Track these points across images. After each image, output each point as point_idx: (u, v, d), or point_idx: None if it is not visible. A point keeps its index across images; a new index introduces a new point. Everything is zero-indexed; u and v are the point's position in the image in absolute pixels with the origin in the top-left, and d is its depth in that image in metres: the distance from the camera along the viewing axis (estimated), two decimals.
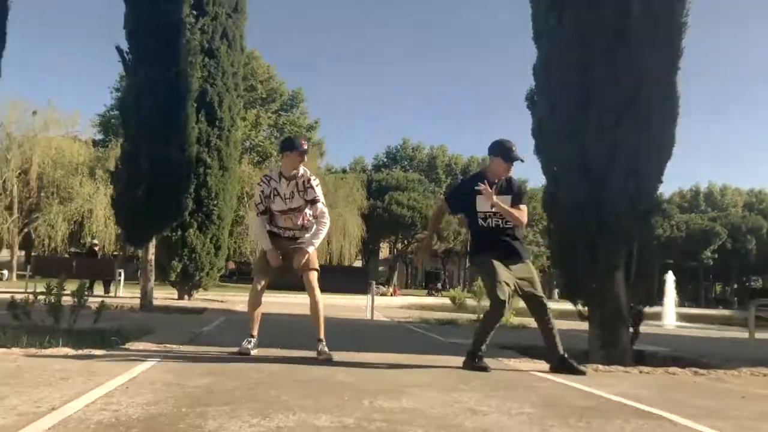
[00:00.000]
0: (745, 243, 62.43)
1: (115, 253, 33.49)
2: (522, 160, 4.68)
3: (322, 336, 4.79)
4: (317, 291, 4.78)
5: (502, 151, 4.64)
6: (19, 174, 30.19)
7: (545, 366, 5.02)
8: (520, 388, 3.76)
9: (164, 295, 14.36)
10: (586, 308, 6.09)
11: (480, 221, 4.63)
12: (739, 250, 61.75)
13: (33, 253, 29.39)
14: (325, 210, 4.92)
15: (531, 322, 10.54)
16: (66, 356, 4.22)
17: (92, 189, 29.69)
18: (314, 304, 4.80)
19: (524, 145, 5.22)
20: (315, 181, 4.88)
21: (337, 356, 4.76)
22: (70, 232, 30.60)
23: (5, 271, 29.16)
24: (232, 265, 41.81)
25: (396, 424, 2.59)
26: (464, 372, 4.43)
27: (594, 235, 5.85)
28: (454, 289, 12.37)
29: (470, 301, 12.48)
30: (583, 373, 4.47)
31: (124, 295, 14.59)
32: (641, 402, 3.42)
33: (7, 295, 6.22)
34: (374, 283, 10.71)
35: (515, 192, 4.71)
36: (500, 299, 4.38)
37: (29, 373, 3.47)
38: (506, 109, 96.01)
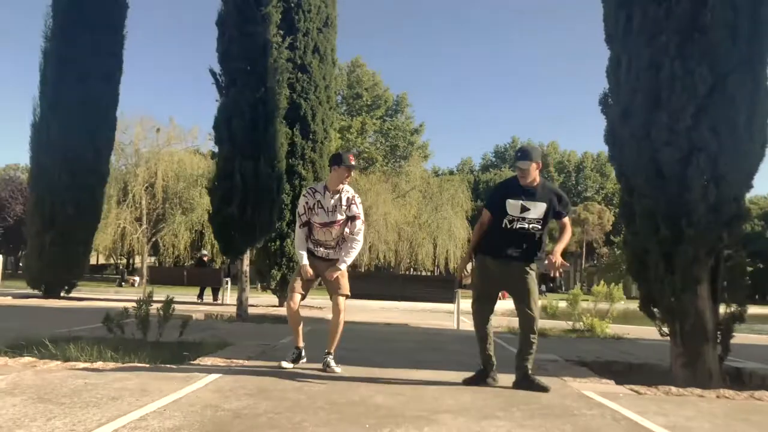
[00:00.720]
0: None
1: (226, 261, 35.50)
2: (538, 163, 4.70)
3: (332, 350, 5.01)
4: (341, 316, 4.97)
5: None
6: (146, 187, 32.78)
7: (611, 387, 4.77)
8: (561, 417, 3.59)
9: (268, 302, 15.06)
10: (666, 324, 5.69)
11: (506, 222, 4.57)
12: None
13: (146, 264, 31.69)
14: (362, 229, 5.05)
15: (626, 332, 10.09)
16: (133, 372, 4.55)
17: None
18: (335, 324, 5.00)
19: None
20: (358, 199, 5.05)
21: (390, 373, 4.78)
22: (192, 241, 32.84)
23: (137, 278, 31.82)
24: None
25: None
26: (512, 394, 4.29)
27: (669, 245, 5.46)
28: (571, 290, 11.86)
29: (564, 306, 11.98)
30: (545, 389, 4.38)
31: (230, 302, 15.43)
32: None
33: (128, 304, 6.72)
34: (460, 291, 10.57)
35: (554, 201, 4.63)
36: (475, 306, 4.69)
37: (89, 391, 3.78)
38: None
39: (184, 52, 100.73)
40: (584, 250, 64.69)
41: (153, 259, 37.94)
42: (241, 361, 5.29)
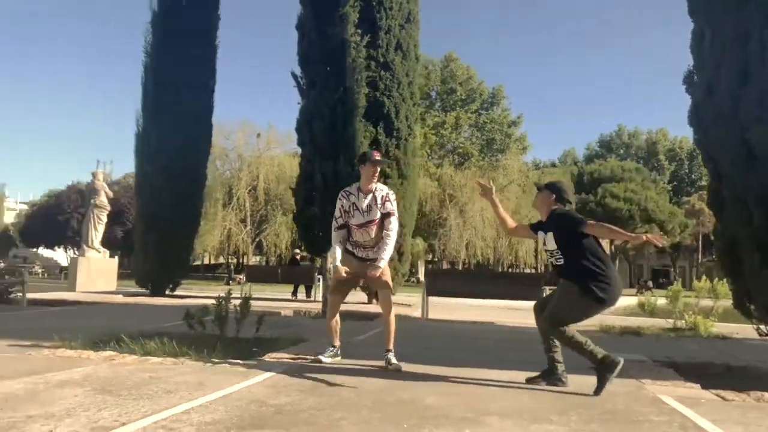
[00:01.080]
0: None
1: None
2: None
3: (390, 347, 4.94)
4: (392, 312, 4.95)
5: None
6: (249, 190, 34.25)
7: (693, 392, 4.41)
8: (621, 424, 3.33)
9: (358, 299, 15.25)
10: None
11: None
12: None
13: (245, 263, 32.97)
14: (396, 224, 4.97)
15: (734, 331, 9.30)
16: (199, 367, 4.72)
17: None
18: (387, 322, 4.96)
19: None
20: (392, 195, 4.99)
21: (457, 372, 4.69)
22: (292, 240, 33.94)
23: (242, 276, 33.31)
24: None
25: None
26: (576, 398, 4.05)
27: (765, 234, 4.97)
28: (671, 287, 11.15)
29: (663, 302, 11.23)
30: (562, 384, 4.36)
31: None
32: None
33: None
34: (547, 288, 10.20)
35: (554, 224, 4.37)
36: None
37: (150, 385, 3.95)
38: None
39: (281, 56, 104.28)
40: (701, 243, 60.66)
41: (258, 258, 39.57)
42: (308, 358, 5.35)
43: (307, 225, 10.53)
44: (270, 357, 5.32)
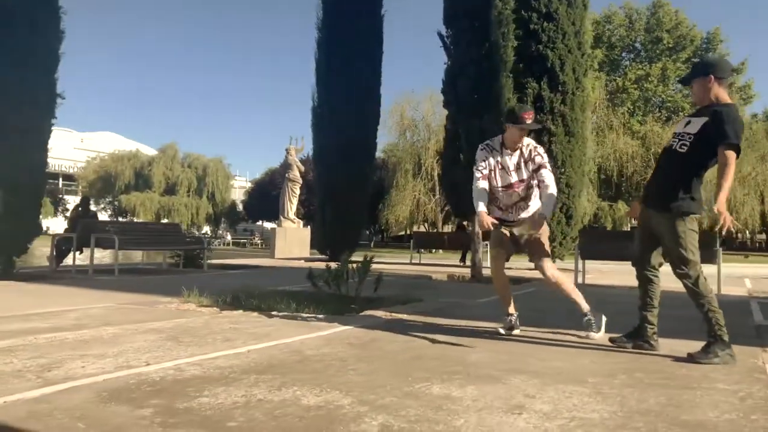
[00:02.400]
0: None
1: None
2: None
3: (585, 311, 4.42)
4: (550, 277, 4.38)
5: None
6: (437, 158, 34.61)
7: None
8: (667, 388, 2.82)
9: (519, 264, 14.70)
10: None
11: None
12: None
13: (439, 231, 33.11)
14: (551, 176, 4.31)
15: None
16: (288, 320, 4.93)
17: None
18: (559, 289, 4.45)
19: None
20: (541, 149, 4.41)
21: (536, 335, 4.34)
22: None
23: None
24: None
25: (379, 412, 2.34)
26: (644, 359, 3.51)
27: None
28: None
29: None
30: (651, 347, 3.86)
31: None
32: None
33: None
34: (720, 251, 8.88)
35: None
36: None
37: (222, 333, 4.24)
38: None
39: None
40: None
41: (450, 226, 40.04)
42: (401, 316, 5.33)
43: (452, 187, 10.36)
44: (363, 313, 5.37)
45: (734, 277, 12.47)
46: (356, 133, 15.70)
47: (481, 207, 4.34)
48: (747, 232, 39.66)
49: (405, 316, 5.30)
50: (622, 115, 35.76)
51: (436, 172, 34.81)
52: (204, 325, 4.59)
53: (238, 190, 67.49)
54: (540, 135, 12.83)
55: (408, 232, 37.73)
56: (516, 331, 4.48)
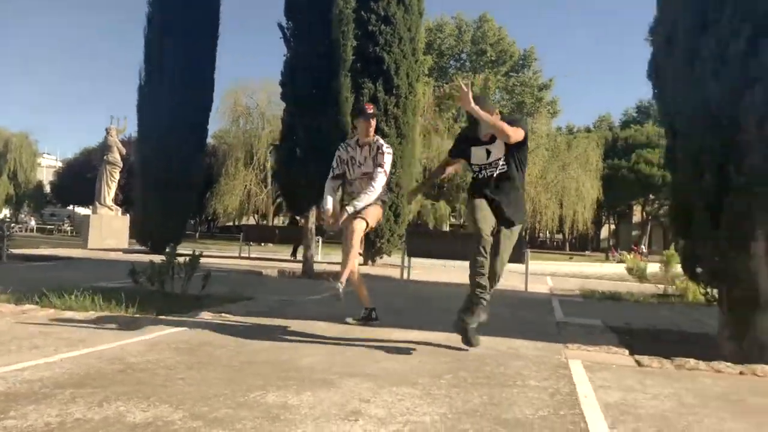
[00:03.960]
0: None
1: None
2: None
3: (343, 279, 4.63)
4: (353, 235, 4.69)
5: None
6: (270, 149, 34.08)
7: (611, 357, 4.09)
8: (487, 387, 3.03)
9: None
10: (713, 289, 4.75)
11: (475, 173, 4.26)
12: None
13: (270, 223, 33.01)
14: (382, 178, 4.90)
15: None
16: (103, 323, 4.54)
17: None
18: (348, 251, 4.74)
19: None
20: (388, 149, 4.96)
21: (367, 333, 4.45)
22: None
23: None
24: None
25: (214, 426, 2.22)
26: (466, 359, 3.74)
27: (716, 195, 4.48)
28: (666, 251, 10.64)
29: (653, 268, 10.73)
30: (471, 345, 3.97)
31: (322, 260, 15.61)
32: (613, 419, 2.52)
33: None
34: (528, 251, 9.78)
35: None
36: (480, 232, 3.90)
37: (29, 339, 3.79)
38: None
39: None
40: None
41: (281, 219, 39.68)
42: (231, 316, 5.15)
43: (287, 183, 10.26)
44: (191, 315, 5.11)
45: (537, 275, 13.77)
46: (186, 116, 14.90)
47: (328, 204, 4.98)
48: (548, 231, 44.03)
49: (235, 317, 5.13)
50: (448, 120, 37.85)
51: (269, 163, 34.31)
52: (6, 330, 4.07)
53: (46, 170, 60.91)
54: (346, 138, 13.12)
55: (237, 223, 36.76)
56: (376, 322, 5.02)
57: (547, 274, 14.24)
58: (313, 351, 3.86)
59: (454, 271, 13.17)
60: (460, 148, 4.41)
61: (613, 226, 56.50)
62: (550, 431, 2.40)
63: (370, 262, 14.33)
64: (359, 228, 4.76)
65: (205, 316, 5.07)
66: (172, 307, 5.36)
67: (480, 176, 4.21)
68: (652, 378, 3.50)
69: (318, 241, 15.79)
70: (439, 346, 4.19)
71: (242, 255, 15.47)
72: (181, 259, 6.51)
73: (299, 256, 16.37)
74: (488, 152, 4.18)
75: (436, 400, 2.77)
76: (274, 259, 15.12)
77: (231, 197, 32.07)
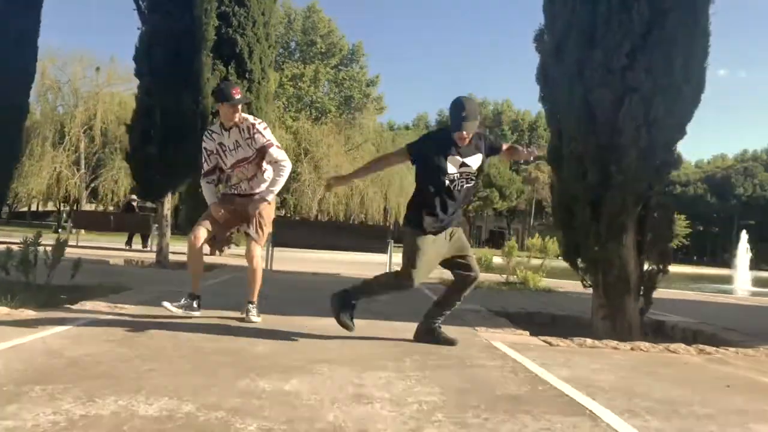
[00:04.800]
0: None
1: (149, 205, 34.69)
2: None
3: (253, 299, 4.47)
4: (255, 261, 4.49)
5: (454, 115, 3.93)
6: (85, 130, 31.16)
7: (523, 339, 4.49)
8: (454, 368, 3.24)
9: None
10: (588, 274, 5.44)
11: (446, 182, 3.89)
12: None
13: (72, 209, 30.41)
14: (282, 155, 4.44)
15: (560, 286, 9.96)
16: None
17: None
18: (250, 270, 4.51)
19: None
20: (261, 125, 4.41)
21: (286, 322, 4.39)
22: (133, 187, 31.61)
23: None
24: None
25: (242, 415, 2.15)
26: (412, 346, 3.91)
27: (596, 190, 5.14)
28: (507, 243, 11.59)
29: (497, 260, 11.81)
30: (452, 343, 3.95)
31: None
32: (586, 391, 2.84)
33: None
34: (392, 242, 10.22)
35: (488, 147, 4.17)
36: (411, 281, 3.85)
37: None
38: None
39: None
40: (533, 208, 65.58)
41: (94, 205, 36.46)
42: (128, 306, 4.78)
43: (142, 165, 9.58)
44: (80, 306, 4.67)
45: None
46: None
47: (212, 198, 4.59)
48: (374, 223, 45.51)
49: (133, 308, 4.77)
50: (278, 110, 37.53)
51: (82, 145, 31.35)
52: None
53: None
54: (206, 120, 12.70)
55: (42, 208, 33.10)
56: (197, 314, 4.44)
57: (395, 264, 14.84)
58: (255, 339, 3.77)
59: (319, 263, 13.27)
60: (427, 153, 3.96)
61: None
62: (550, 405, 2.59)
63: (217, 252, 13.83)
64: (258, 254, 4.54)
65: (101, 307, 4.66)
66: (55, 299, 4.84)
67: (447, 187, 3.90)
68: (573, 355, 3.93)
69: (157, 229, 14.93)
70: (364, 336, 4.27)
71: (70, 244, 14.05)
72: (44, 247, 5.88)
73: (134, 245, 15.37)
74: (463, 164, 3.93)
75: (421, 381, 2.88)
76: (109, 248, 13.97)
77: (37, 180, 28.74)
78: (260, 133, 4.34)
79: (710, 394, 2.99)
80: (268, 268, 10.31)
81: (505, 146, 4.34)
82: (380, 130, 44.09)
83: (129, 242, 15.17)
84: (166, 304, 4.33)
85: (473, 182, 4.03)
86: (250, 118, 4.42)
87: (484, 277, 10.80)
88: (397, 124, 63.02)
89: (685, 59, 5.08)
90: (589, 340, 4.53)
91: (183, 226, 13.19)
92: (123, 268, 9.14)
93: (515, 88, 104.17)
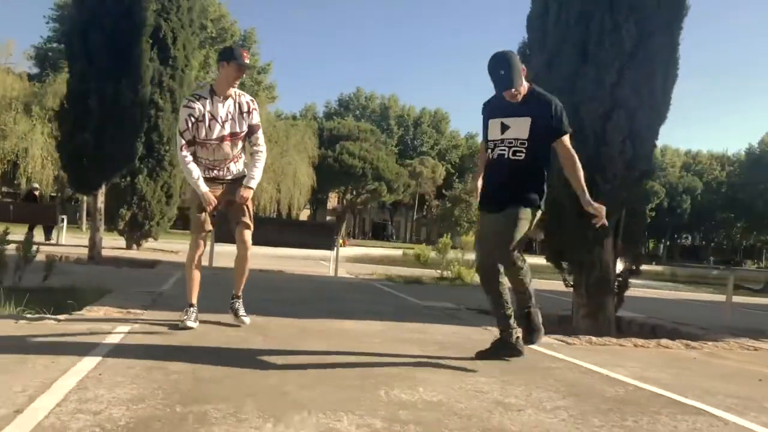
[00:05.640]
0: (680, 202, 64.54)
1: (53, 195, 31.93)
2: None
3: (239, 293, 4.28)
4: (249, 252, 4.17)
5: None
6: None
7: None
8: (537, 371, 3.46)
9: (111, 244, 13.57)
10: (571, 275, 5.91)
11: (489, 151, 3.65)
12: (674, 209, 63.77)
13: None
14: (263, 140, 4.17)
15: None
16: (16, 325, 3.69)
17: (28, 127, 27.83)
18: (242, 261, 4.19)
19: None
20: (255, 104, 4.10)
21: (317, 324, 4.43)
22: (3, 172, 28.82)
23: None
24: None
25: (427, 425, 2.24)
26: (450, 350, 4.10)
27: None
28: (441, 240, 11.95)
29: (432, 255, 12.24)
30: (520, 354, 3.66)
31: (67, 242, 13.75)
32: (668, 389, 3.18)
33: None
34: (338, 239, 10.28)
35: (545, 114, 3.50)
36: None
37: None
38: (468, 62, 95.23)
39: None
40: (416, 202, 67.51)
41: None
42: (139, 311, 4.54)
43: (74, 154, 8.91)
44: (93, 312, 4.36)
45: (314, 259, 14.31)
46: None
47: (202, 186, 3.97)
48: (264, 214, 44.72)
49: (146, 313, 4.54)
50: None
51: None
52: None
53: None
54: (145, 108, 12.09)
55: None
56: (194, 325, 4.02)
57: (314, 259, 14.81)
58: (324, 346, 3.78)
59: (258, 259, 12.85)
60: (484, 125, 3.68)
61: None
62: (656, 404, 2.86)
63: (135, 246, 13.11)
64: (250, 235, 4.15)
65: (113, 312, 4.39)
66: (50, 304, 4.42)
67: (492, 156, 3.59)
68: (604, 354, 4.29)
69: (63, 220, 13.89)
70: (411, 339, 4.39)
71: None
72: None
73: (37, 236, 14.11)
74: (504, 126, 3.54)
75: (530, 385, 3.07)
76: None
77: None
78: (256, 110, 4.08)
79: (758, 389, 3.43)
80: (211, 264, 9.98)
81: (567, 140, 3.61)
82: (273, 121, 43.29)
83: (29, 234, 13.87)
84: (189, 323, 3.99)
85: (522, 156, 3.49)
86: (248, 95, 4.10)
87: (420, 272, 11.29)
88: (285, 113, 62.09)
89: (664, 79, 5.66)
90: (593, 338, 4.94)
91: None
92: (60, 265, 8.45)
93: (402, 84, 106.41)
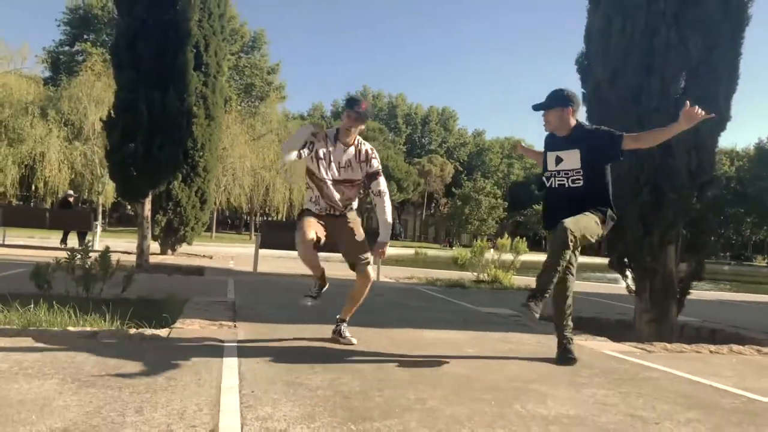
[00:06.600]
0: None
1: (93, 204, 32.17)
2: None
3: (347, 318, 4.45)
4: (371, 281, 4.33)
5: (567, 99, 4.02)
6: None
7: (614, 345, 4.90)
8: (641, 382, 3.58)
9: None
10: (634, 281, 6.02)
11: (545, 181, 4.08)
12: None
13: None
14: (386, 185, 4.25)
15: (528, 283, 10.63)
16: (134, 340, 3.82)
17: (44, 131, 27.98)
18: (360, 289, 4.32)
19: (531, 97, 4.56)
20: (375, 154, 4.24)
21: (401, 334, 4.52)
22: (21, 176, 28.98)
23: None
24: None
25: None
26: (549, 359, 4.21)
27: (649, 208, 5.70)
28: (476, 242, 12.05)
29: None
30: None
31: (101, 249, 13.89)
32: None
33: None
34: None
35: (591, 143, 3.90)
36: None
37: (121, 368, 3.07)
38: (464, 62, 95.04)
39: None
40: (425, 200, 67.61)
41: None
42: (230, 324, 4.66)
43: (122, 163, 9.03)
44: (189, 325, 4.49)
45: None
46: None
47: (293, 155, 3.98)
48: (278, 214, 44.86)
49: (239, 325, 4.67)
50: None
51: None
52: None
53: None
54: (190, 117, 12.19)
55: None
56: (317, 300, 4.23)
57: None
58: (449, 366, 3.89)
59: (288, 261, 13.03)
60: (543, 156, 4.18)
61: None
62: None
63: (170, 252, 13.26)
64: (372, 275, 4.32)
65: (207, 326, 4.52)
66: (142, 317, 4.55)
67: (549, 185, 4.05)
68: (691, 362, 4.41)
69: (97, 226, 14.04)
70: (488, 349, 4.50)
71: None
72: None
73: (69, 243, 14.30)
74: (558, 159, 3.99)
75: (642, 396, 3.19)
76: (46, 248, 12.92)
77: None
78: (376, 158, 4.22)
79: None
80: (256, 270, 10.12)
81: (626, 140, 3.92)
82: (283, 120, 43.43)
83: (64, 240, 14.06)
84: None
85: (580, 180, 3.89)
86: (369, 144, 4.27)
87: (457, 275, 11.38)
88: (293, 113, 62.30)
89: (726, 89, 5.77)
90: (669, 345, 5.05)
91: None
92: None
93: (409, 82, 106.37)
